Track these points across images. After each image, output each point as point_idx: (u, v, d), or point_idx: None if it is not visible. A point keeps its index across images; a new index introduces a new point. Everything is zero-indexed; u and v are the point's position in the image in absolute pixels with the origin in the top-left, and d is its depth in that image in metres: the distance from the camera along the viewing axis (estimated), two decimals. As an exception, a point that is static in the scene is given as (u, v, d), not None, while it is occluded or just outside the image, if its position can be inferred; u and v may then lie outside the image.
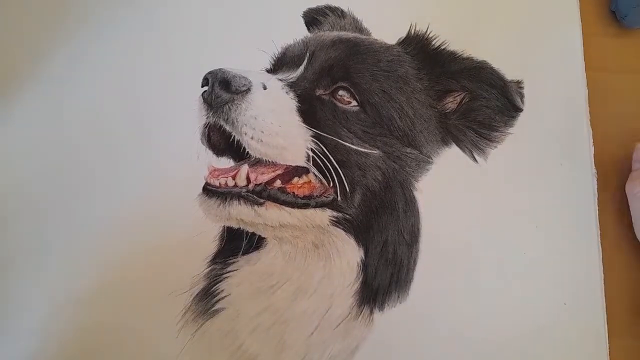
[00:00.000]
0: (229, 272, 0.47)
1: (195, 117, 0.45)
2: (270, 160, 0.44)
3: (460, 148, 0.49)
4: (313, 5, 0.54)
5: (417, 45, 0.49)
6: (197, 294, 0.46)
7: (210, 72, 0.43)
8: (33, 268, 0.48)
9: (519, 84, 0.50)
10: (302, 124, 0.44)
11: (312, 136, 0.44)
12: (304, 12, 0.54)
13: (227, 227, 0.47)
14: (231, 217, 0.44)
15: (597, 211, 0.49)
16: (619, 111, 0.53)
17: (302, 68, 0.47)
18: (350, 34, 0.51)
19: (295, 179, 0.45)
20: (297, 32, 0.52)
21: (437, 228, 0.47)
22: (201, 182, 0.45)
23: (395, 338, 0.46)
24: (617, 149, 0.52)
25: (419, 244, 0.47)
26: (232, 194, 0.44)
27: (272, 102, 0.44)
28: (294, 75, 0.47)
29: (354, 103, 0.46)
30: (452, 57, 0.49)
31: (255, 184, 0.44)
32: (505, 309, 0.47)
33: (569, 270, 0.48)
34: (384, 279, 0.46)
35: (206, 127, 0.44)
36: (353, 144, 0.45)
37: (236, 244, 0.47)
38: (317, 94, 0.46)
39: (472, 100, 0.48)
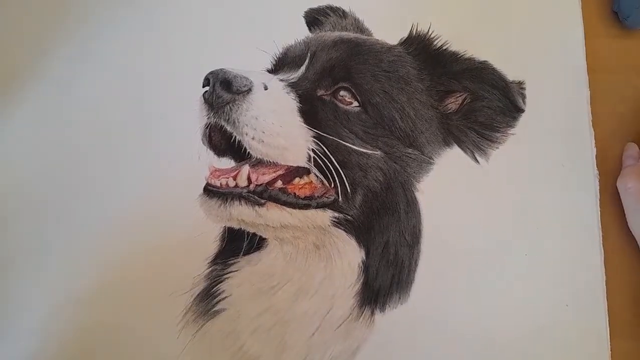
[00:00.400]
0: (229, 272, 0.46)
1: (196, 118, 0.45)
2: (271, 160, 0.44)
3: (462, 149, 0.49)
4: (314, 5, 0.54)
5: (418, 45, 0.49)
6: (197, 295, 0.46)
7: (211, 73, 0.43)
8: (33, 268, 0.48)
9: (520, 84, 0.50)
10: (303, 124, 0.44)
11: (313, 137, 0.44)
12: (305, 12, 0.54)
13: (228, 228, 0.47)
14: (232, 217, 0.44)
15: (599, 212, 0.49)
16: (621, 112, 0.53)
17: (303, 68, 0.47)
18: (351, 35, 0.51)
19: (297, 180, 0.45)
20: (299, 32, 0.52)
21: (438, 229, 0.47)
22: (202, 182, 0.45)
23: (396, 339, 0.46)
24: (619, 150, 0.51)
25: (420, 244, 0.47)
26: (233, 194, 0.44)
27: (273, 103, 0.44)
28: (295, 75, 0.46)
29: (355, 103, 0.46)
30: (454, 57, 0.49)
31: (256, 185, 0.44)
32: (506, 310, 0.47)
33: (570, 271, 0.48)
34: (385, 280, 0.46)
35: (207, 127, 0.44)
36: (354, 145, 0.45)
37: (237, 244, 0.47)
38: (319, 94, 0.46)
39: (474, 101, 0.48)
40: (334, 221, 0.45)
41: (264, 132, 0.43)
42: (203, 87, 0.44)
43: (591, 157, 0.50)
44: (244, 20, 0.54)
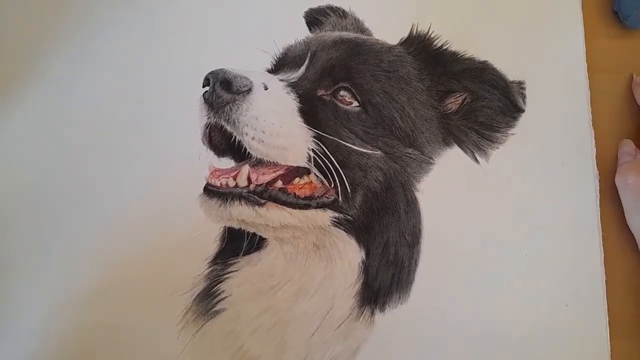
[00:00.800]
0: (229, 272, 0.46)
1: (196, 118, 0.45)
2: (271, 160, 0.44)
3: (462, 149, 0.49)
4: (314, 5, 0.54)
5: (418, 45, 0.49)
6: (197, 295, 0.46)
7: (211, 73, 0.43)
8: (33, 268, 0.48)
9: (520, 84, 0.50)
10: (303, 124, 0.44)
11: (313, 137, 0.44)
12: (306, 12, 0.54)
13: (228, 228, 0.47)
14: (232, 217, 0.44)
15: (599, 212, 0.49)
16: (621, 112, 0.53)
17: (303, 68, 0.47)
18: (351, 34, 0.51)
19: (297, 180, 0.45)
20: (299, 32, 0.52)
21: (438, 229, 0.47)
22: (202, 182, 0.45)
23: (396, 339, 0.46)
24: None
25: (420, 244, 0.47)
26: (233, 194, 0.44)
27: (273, 103, 0.44)
28: (295, 75, 0.46)
29: (356, 103, 0.46)
30: (454, 57, 0.49)
31: (257, 185, 0.44)
32: (506, 310, 0.47)
33: (570, 271, 0.48)
34: (385, 279, 0.46)
35: (207, 127, 0.44)
36: (354, 145, 0.45)
37: (237, 244, 0.47)
38: (319, 94, 0.46)
39: (474, 101, 0.48)
40: (334, 221, 0.45)
41: (264, 132, 0.43)
42: (203, 87, 0.44)
43: (591, 157, 0.50)
44: (244, 20, 0.54)
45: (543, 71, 0.52)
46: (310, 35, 0.53)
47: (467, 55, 0.49)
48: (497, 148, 0.49)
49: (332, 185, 0.44)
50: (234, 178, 0.44)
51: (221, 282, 0.46)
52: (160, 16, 0.55)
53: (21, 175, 0.51)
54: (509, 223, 0.49)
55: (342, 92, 0.46)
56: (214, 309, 0.46)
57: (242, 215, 0.44)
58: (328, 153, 0.44)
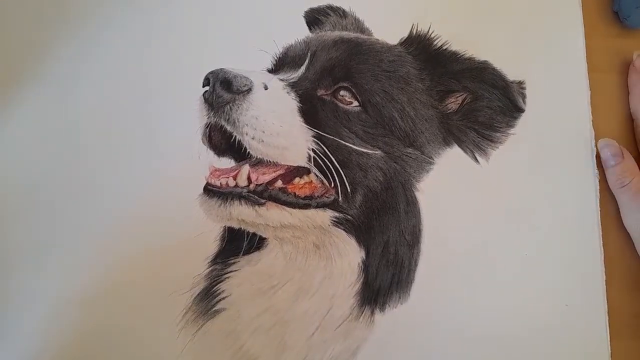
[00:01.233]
0: (229, 272, 0.46)
1: (196, 117, 0.45)
2: (271, 160, 0.44)
3: (462, 148, 0.49)
4: (314, 5, 0.54)
5: (418, 45, 0.49)
6: (197, 295, 0.46)
7: (211, 72, 0.43)
8: (33, 268, 0.48)
9: (520, 84, 0.50)
10: (303, 124, 0.44)
11: (313, 136, 0.44)
12: (306, 11, 0.54)
13: (228, 228, 0.47)
14: (232, 217, 0.44)
15: (599, 212, 0.49)
16: (622, 112, 0.53)
17: (303, 68, 0.47)
18: (351, 34, 0.51)
19: (297, 180, 0.45)
20: (299, 32, 0.52)
21: (438, 229, 0.47)
22: (202, 182, 0.45)
23: (396, 339, 0.46)
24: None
25: (421, 244, 0.47)
26: (233, 194, 0.44)
27: (273, 102, 0.44)
28: (295, 75, 0.46)
29: (356, 103, 0.46)
30: (454, 57, 0.49)
31: (257, 184, 0.44)
32: (506, 309, 0.47)
33: (570, 271, 0.48)
34: (385, 279, 0.46)
35: (207, 127, 0.44)
36: (354, 145, 0.45)
37: (237, 244, 0.47)
38: (319, 94, 0.46)
39: (474, 101, 0.48)
40: (334, 221, 0.45)
41: (264, 132, 0.43)
42: (203, 86, 0.44)
43: (591, 157, 0.50)
44: (244, 20, 0.54)
45: (543, 71, 0.52)
46: (311, 35, 0.53)
47: (467, 55, 0.49)
48: (497, 148, 0.49)
49: (332, 185, 0.44)
50: (234, 178, 0.44)
51: (221, 281, 0.46)
52: (161, 16, 0.55)
53: (21, 175, 0.51)
54: (509, 223, 0.49)
55: (342, 92, 0.46)
56: (214, 309, 0.46)
57: (242, 215, 0.44)
58: (328, 153, 0.44)
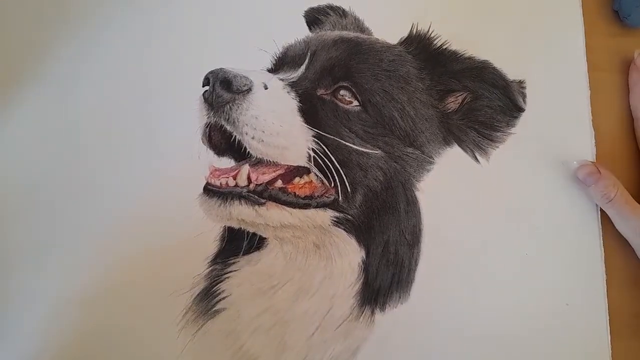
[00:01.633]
0: (229, 272, 0.46)
1: (196, 117, 0.45)
2: (271, 160, 0.44)
3: (462, 148, 0.49)
4: (314, 4, 0.54)
5: (418, 44, 0.49)
6: (197, 295, 0.46)
7: (211, 72, 0.43)
8: (33, 268, 0.48)
9: (521, 83, 0.50)
10: (303, 124, 0.44)
11: (313, 136, 0.44)
12: (306, 11, 0.54)
13: (228, 228, 0.47)
14: (232, 217, 0.44)
15: (599, 211, 0.49)
16: (622, 111, 0.53)
17: (303, 68, 0.47)
18: (351, 34, 0.51)
19: (297, 179, 0.45)
20: (299, 32, 0.52)
21: (438, 228, 0.47)
22: (202, 182, 0.45)
23: (396, 339, 0.46)
24: (619, 150, 0.51)
25: (421, 244, 0.47)
26: (233, 194, 0.44)
27: (273, 102, 0.44)
28: (295, 74, 0.46)
29: (356, 103, 0.46)
30: (454, 56, 0.49)
31: (256, 184, 0.44)
32: (506, 309, 0.47)
33: (571, 270, 0.48)
34: (385, 279, 0.46)
35: (207, 126, 0.44)
36: (354, 144, 0.45)
37: (237, 244, 0.47)
38: (319, 93, 0.46)
39: (474, 100, 0.48)
40: (334, 221, 0.45)
41: (264, 132, 0.42)
42: (203, 86, 0.44)
43: (591, 157, 0.50)
44: (244, 20, 0.54)
45: (543, 71, 0.52)
46: (310, 34, 0.53)
47: (467, 55, 0.49)
48: (498, 147, 0.49)
49: (332, 185, 0.44)
50: (234, 177, 0.44)
51: (221, 281, 0.46)
52: (161, 16, 0.55)
53: (21, 175, 0.51)
54: (509, 222, 0.49)
55: (342, 92, 0.46)
56: (214, 309, 0.46)
57: (242, 214, 0.44)
58: (328, 152, 0.44)
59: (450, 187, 0.48)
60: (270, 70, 0.50)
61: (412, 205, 0.47)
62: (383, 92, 0.46)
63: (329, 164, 0.43)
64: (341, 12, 0.53)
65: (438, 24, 0.50)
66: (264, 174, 0.44)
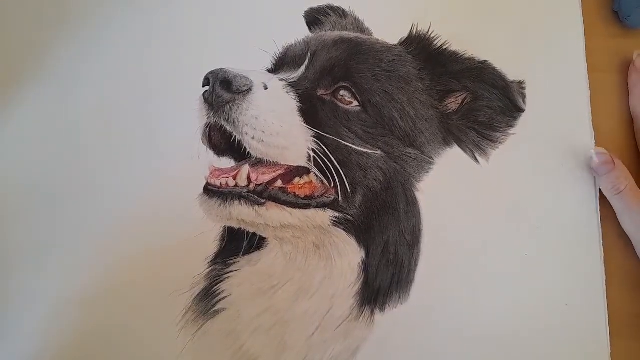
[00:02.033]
0: (229, 272, 0.46)
1: (196, 117, 0.45)
2: (271, 160, 0.44)
3: (462, 148, 0.49)
4: (314, 4, 0.54)
5: (418, 45, 0.49)
6: (197, 295, 0.46)
7: (211, 72, 0.43)
8: (33, 268, 0.48)
9: (520, 84, 0.50)
10: (303, 124, 0.44)
11: (313, 136, 0.44)
12: (306, 11, 0.54)
13: (228, 228, 0.47)
14: (232, 217, 0.44)
15: (599, 211, 0.49)
16: (621, 112, 0.53)
17: (303, 68, 0.47)
18: (351, 34, 0.51)
19: (297, 179, 0.45)
20: (299, 32, 0.52)
21: (438, 229, 0.47)
22: (202, 182, 0.45)
23: (396, 339, 0.46)
24: (619, 150, 0.51)
25: (420, 244, 0.47)
26: (233, 194, 0.44)
27: (273, 102, 0.44)
28: (295, 75, 0.46)
29: (355, 103, 0.46)
30: (454, 57, 0.49)
31: (256, 184, 0.44)
32: (506, 309, 0.47)
33: (570, 271, 0.48)
34: (385, 279, 0.46)
35: (207, 127, 0.44)
36: (354, 145, 0.45)
37: (237, 244, 0.47)
38: (319, 94, 0.46)
39: (474, 101, 0.48)
40: (334, 221, 0.45)
41: (264, 132, 0.43)
42: (203, 86, 0.44)
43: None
44: (244, 20, 0.54)
45: (543, 71, 0.52)
46: (311, 34, 0.53)
47: (467, 55, 0.49)
48: (497, 148, 0.49)
49: (332, 185, 0.44)
50: (234, 178, 0.44)
51: (221, 281, 0.46)
52: (161, 16, 0.55)
53: (21, 175, 0.51)
54: (509, 223, 0.49)
55: (342, 92, 0.46)
56: (214, 309, 0.46)
57: (242, 215, 0.44)
58: (328, 153, 0.44)
59: (450, 187, 0.48)
60: (270, 71, 0.50)
61: (412, 205, 0.47)
62: (383, 93, 0.46)
63: (329, 164, 0.43)
64: (341, 13, 0.54)
65: (438, 24, 0.50)
66: (264, 174, 0.44)
